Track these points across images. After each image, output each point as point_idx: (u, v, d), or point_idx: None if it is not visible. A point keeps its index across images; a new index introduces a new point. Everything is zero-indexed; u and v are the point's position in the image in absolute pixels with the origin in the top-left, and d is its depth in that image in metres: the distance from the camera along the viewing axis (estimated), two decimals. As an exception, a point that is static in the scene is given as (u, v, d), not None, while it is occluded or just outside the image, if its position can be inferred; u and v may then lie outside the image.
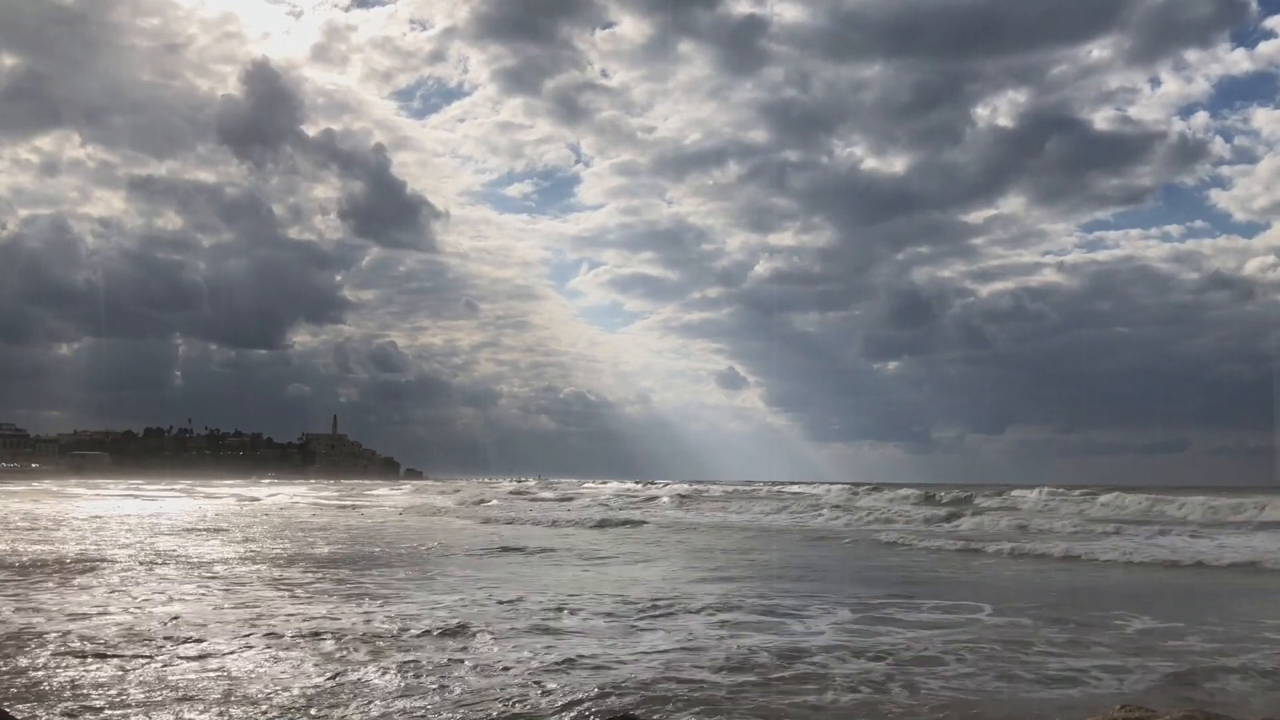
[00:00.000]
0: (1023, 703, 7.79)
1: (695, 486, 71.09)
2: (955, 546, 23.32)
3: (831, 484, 68.02)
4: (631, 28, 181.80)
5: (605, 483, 79.10)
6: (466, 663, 8.72)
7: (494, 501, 49.68)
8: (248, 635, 9.82)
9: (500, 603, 12.59)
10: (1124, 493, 43.30)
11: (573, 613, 11.78)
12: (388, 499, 57.09)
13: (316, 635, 9.87)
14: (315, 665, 8.51)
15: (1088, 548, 22.15)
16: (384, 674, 8.19)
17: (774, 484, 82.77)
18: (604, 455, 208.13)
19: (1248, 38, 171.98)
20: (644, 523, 33.44)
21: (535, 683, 7.98)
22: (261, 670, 8.26)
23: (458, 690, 7.71)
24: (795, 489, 61.43)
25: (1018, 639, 10.40)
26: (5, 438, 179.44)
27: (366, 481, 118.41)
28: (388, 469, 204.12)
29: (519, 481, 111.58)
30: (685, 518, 37.54)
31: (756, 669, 8.74)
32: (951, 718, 7.32)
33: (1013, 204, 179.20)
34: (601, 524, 33.16)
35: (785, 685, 8.17)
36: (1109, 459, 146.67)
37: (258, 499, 55.08)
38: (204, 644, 9.34)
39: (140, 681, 7.76)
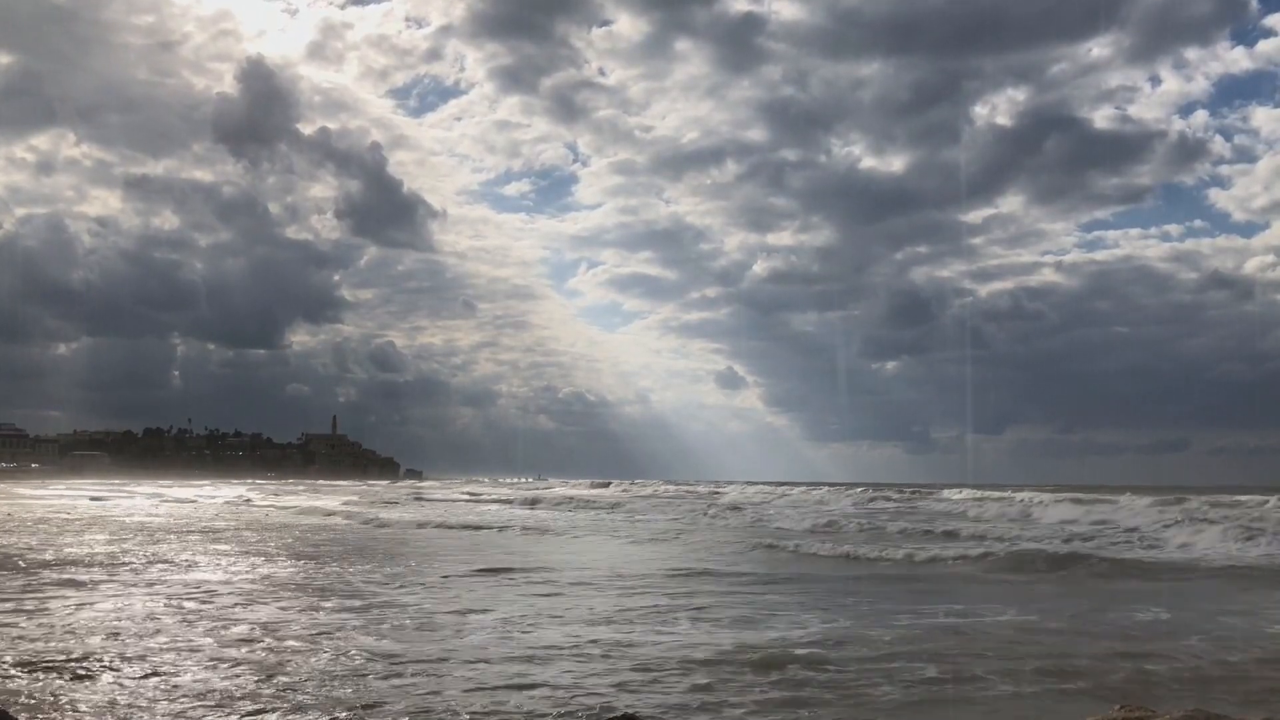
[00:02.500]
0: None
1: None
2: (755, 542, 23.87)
3: (825, 484, 68.68)
4: (628, 25, 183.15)
5: (566, 482, 79.64)
6: None
7: (398, 502, 50.67)
8: None
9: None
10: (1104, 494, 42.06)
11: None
12: (314, 498, 58.01)
13: None
14: None
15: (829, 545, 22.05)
16: None
17: (749, 483, 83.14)
18: (603, 455, 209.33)
19: (1247, 36, 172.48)
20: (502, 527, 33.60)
21: None
22: None
23: None
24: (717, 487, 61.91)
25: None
26: (4, 438, 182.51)
27: (338, 482, 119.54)
28: (387, 469, 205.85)
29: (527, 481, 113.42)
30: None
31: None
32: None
33: (1012, 203, 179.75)
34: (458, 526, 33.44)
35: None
36: (1109, 459, 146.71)
37: (186, 499, 56.19)
38: None
39: None
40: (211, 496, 61.14)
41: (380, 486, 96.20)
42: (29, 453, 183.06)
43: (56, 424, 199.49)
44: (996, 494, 46.33)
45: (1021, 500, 39.49)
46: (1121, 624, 11.63)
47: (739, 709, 7.57)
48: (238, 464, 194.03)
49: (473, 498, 56.34)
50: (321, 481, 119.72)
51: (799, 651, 9.60)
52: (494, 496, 57.47)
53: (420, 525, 32.24)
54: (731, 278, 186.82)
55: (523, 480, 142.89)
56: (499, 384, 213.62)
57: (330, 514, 40.60)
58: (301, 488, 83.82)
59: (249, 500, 54.99)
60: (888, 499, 46.61)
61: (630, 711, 6.97)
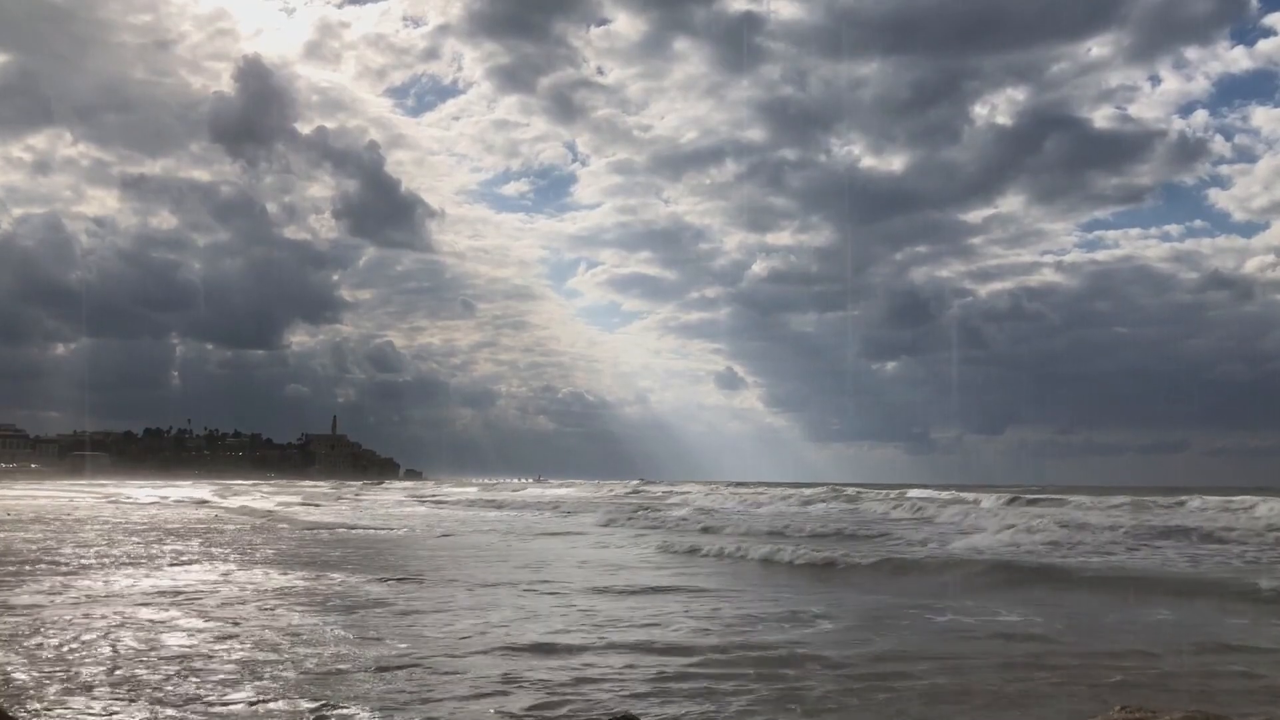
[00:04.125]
0: None
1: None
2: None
3: (820, 484, 68.84)
4: (626, 24, 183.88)
5: (547, 481, 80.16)
6: None
7: (337, 503, 51.05)
8: None
9: None
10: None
11: None
12: (266, 499, 58.54)
13: None
14: None
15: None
16: None
17: (737, 483, 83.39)
18: (603, 456, 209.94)
19: (1247, 35, 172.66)
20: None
21: None
22: None
23: None
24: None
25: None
26: (4, 438, 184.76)
27: (320, 483, 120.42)
28: (387, 469, 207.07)
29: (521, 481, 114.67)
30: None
31: None
32: None
33: (1011, 203, 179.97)
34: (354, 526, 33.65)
35: None
36: (1109, 459, 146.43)
37: (133, 497, 56.89)
38: None
39: None
40: (165, 496, 61.73)
41: (355, 486, 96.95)
42: (29, 453, 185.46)
43: (56, 424, 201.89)
44: (966, 495, 45.87)
45: (973, 501, 39.31)
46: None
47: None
48: (238, 464, 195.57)
49: (410, 498, 56.68)
50: (305, 482, 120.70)
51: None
52: (434, 497, 57.76)
53: (311, 527, 32.56)
54: (731, 278, 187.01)
55: (519, 481, 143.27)
56: (498, 384, 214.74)
57: (268, 514, 41.06)
58: (269, 487, 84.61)
59: (204, 500, 55.59)
60: (833, 499, 46.66)
61: (629, 711, 6.97)
